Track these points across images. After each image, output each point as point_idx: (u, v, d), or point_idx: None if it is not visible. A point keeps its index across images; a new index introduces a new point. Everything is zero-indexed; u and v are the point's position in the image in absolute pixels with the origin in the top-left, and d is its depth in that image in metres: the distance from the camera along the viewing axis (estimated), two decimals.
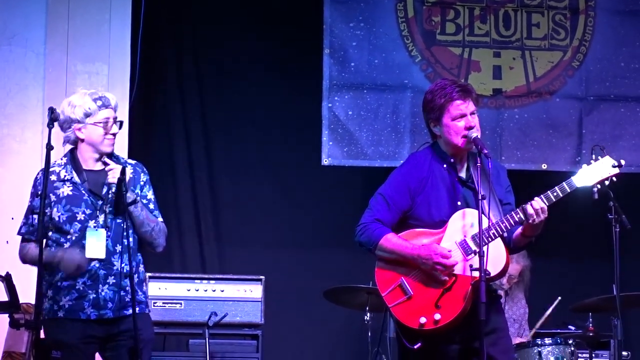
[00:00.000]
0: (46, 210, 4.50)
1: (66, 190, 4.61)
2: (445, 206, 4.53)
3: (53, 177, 4.64)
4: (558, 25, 7.56)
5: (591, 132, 7.44)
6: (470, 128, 4.49)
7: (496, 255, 4.37)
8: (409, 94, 7.34)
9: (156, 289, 6.33)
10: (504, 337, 4.54)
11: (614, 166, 4.51)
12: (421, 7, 7.44)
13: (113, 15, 6.92)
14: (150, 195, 4.76)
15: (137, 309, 4.57)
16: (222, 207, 7.52)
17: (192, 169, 7.43)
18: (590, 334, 6.28)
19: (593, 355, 6.39)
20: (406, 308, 4.47)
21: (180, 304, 6.36)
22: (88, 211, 4.58)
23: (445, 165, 4.58)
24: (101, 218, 4.58)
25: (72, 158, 4.69)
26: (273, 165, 7.56)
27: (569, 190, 4.47)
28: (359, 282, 6.24)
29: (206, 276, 6.53)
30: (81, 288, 4.54)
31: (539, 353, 5.93)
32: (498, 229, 4.41)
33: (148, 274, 6.07)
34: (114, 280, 4.57)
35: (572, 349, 5.98)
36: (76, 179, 4.62)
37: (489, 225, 4.39)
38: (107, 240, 4.57)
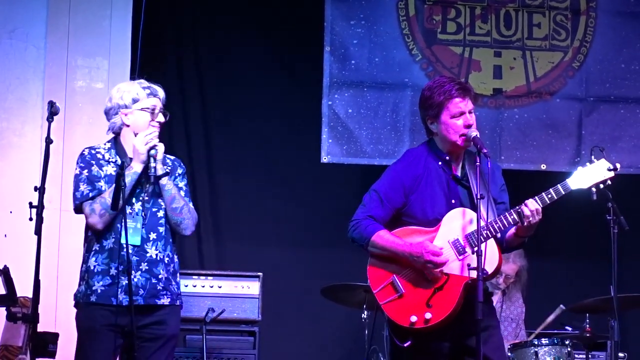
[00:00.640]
0: (96, 183, 4.56)
1: (110, 169, 4.62)
2: (439, 204, 4.54)
3: (99, 156, 4.65)
4: (559, 26, 7.56)
5: (591, 133, 7.44)
6: (468, 126, 4.50)
7: (490, 255, 4.37)
8: (409, 92, 7.34)
9: None
10: (495, 335, 4.55)
11: (609, 169, 4.51)
12: (422, 6, 7.45)
13: (114, 10, 6.92)
14: (182, 185, 4.75)
15: (168, 300, 4.59)
16: (221, 204, 7.52)
17: (191, 165, 7.42)
18: (587, 335, 6.27)
19: (590, 356, 6.40)
20: (397, 306, 4.48)
21: None
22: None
23: (440, 163, 4.59)
24: (137, 205, 4.60)
25: (116, 144, 4.71)
26: (272, 162, 7.56)
27: (563, 193, 4.48)
28: (357, 280, 6.23)
29: (204, 272, 6.53)
30: (114, 274, 4.52)
31: (536, 353, 5.93)
32: (492, 229, 4.42)
33: None
34: (147, 267, 4.57)
35: (569, 349, 5.98)
36: (119, 162, 4.63)
37: (484, 225, 4.40)
38: (142, 228, 4.57)
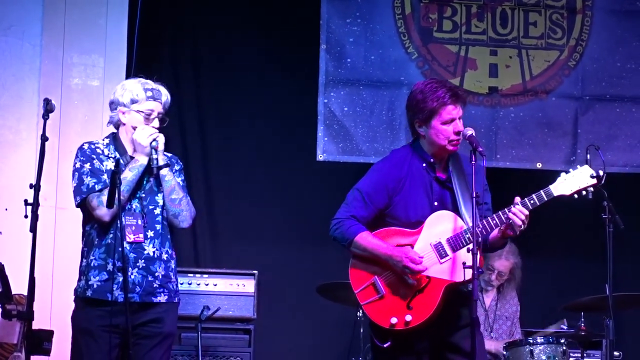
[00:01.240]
0: (101, 176, 4.55)
1: (110, 164, 4.62)
2: (422, 207, 4.56)
3: (98, 151, 4.65)
4: (555, 25, 7.56)
5: (586, 132, 7.44)
6: (458, 133, 4.53)
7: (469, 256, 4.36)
8: (405, 90, 7.31)
9: None
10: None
11: (592, 176, 4.52)
12: (418, 4, 7.44)
13: (110, 7, 6.91)
14: (180, 180, 4.74)
15: (165, 297, 4.59)
16: (216, 202, 7.51)
17: (187, 163, 7.40)
18: (583, 334, 6.28)
19: (585, 354, 6.40)
20: (378, 307, 4.51)
21: None
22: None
23: (424, 165, 4.61)
24: (135, 203, 4.59)
25: (115, 140, 4.71)
26: (268, 160, 7.55)
27: (546, 199, 4.49)
28: None
29: (199, 270, 6.53)
30: (111, 269, 4.51)
31: (531, 352, 5.93)
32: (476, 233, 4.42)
33: None
34: (144, 265, 4.56)
35: (564, 348, 5.98)
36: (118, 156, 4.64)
37: (466, 228, 4.42)
38: (143, 224, 4.57)
